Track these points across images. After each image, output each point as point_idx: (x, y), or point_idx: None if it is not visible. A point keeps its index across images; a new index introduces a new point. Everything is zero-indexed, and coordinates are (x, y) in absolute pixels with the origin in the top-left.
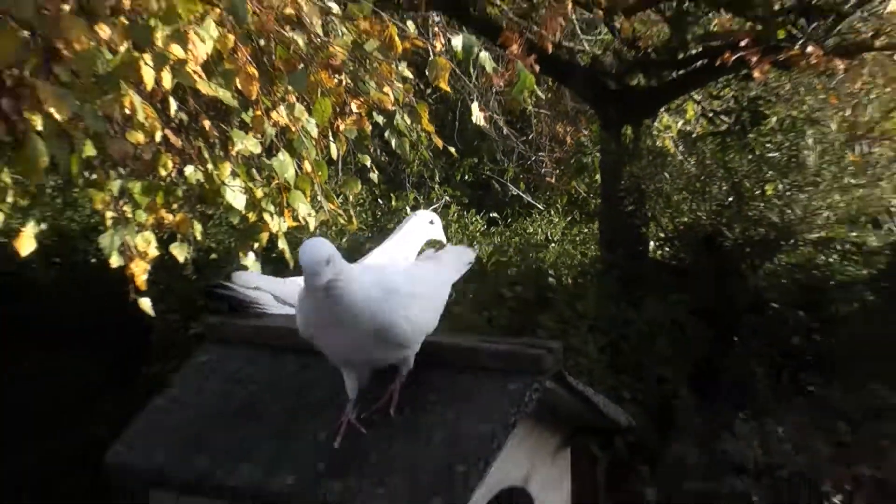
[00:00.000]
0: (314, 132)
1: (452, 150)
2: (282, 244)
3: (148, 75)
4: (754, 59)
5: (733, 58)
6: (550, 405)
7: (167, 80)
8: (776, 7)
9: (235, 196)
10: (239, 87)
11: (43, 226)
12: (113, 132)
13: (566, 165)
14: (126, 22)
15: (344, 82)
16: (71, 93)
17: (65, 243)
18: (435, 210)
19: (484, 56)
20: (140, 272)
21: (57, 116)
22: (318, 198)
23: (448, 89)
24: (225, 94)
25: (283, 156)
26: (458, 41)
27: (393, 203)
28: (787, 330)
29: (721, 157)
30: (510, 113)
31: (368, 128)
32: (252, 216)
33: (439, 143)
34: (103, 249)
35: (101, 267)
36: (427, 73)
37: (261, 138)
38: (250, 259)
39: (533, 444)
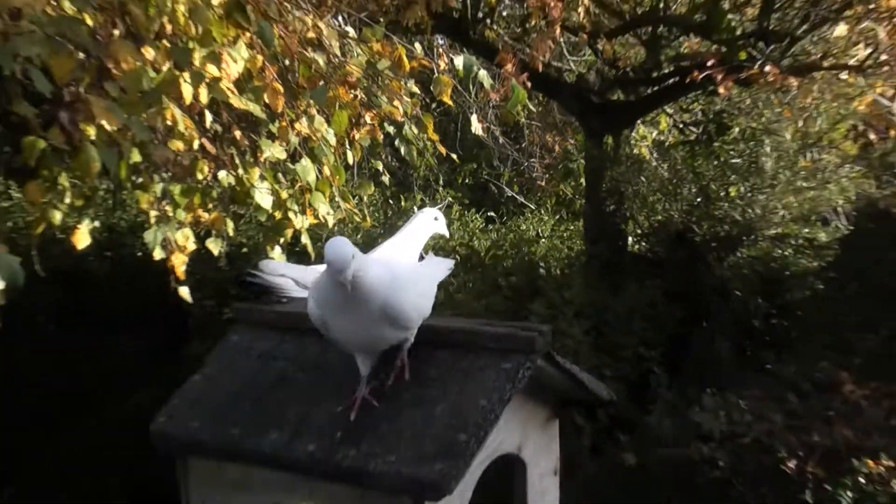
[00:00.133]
0: (333, 141)
1: (454, 156)
2: (304, 239)
3: (187, 91)
4: (719, 77)
5: (701, 76)
6: (541, 381)
7: (204, 96)
8: (738, 32)
9: (263, 197)
10: (266, 101)
11: (96, 223)
12: (156, 141)
13: (555, 170)
14: (168, 45)
15: (359, 97)
16: (120, 107)
17: (115, 239)
18: (440, 209)
19: (482, 74)
20: (179, 264)
21: (108, 127)
22: (336, 198)
23: (451, 103)
24: (254, 108)
25: (306, 161)
26: (459, 61)
27: (402, 203)
28: (748, 314)
29: (690, 163)
30: (505, 124)
31: (380, 137)
32: (278, 214)
33: (443, 150)
34: (147, 244)
35: (146, 260)
36: (432, 88)
37: (286, 146)
38: (276, 252)
39: (525, 416)
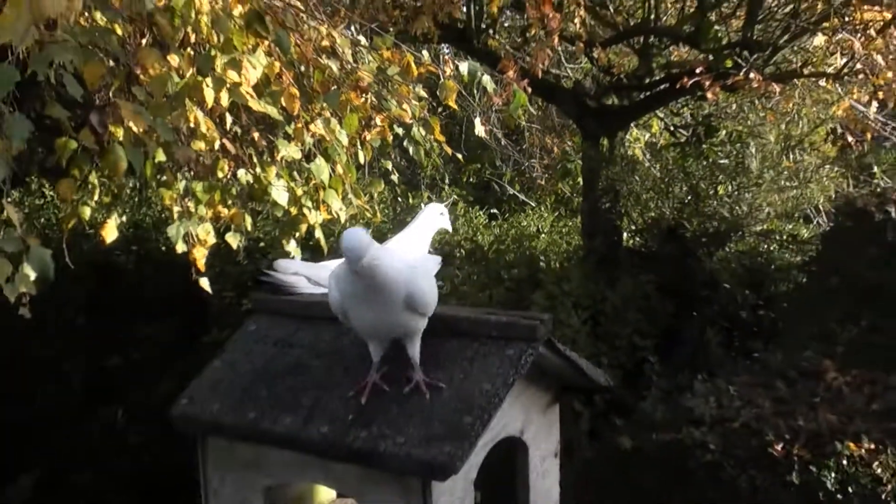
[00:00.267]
0: (345, 141)
1: (460, 156)
2: (318, 234)
3: (209, 95)
4: (707, 83)
5: (690, 82)
6: (542, 367)
7: (224, 99)
8: (724, 42)
9: (280, 194)
10: (283, 104)
11: (123, 218)
12: (180, 142)
13: (553, 170)
14: (192, 52)
15: (370, 100)
16: (146, 110)
17: (140, 235)
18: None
19: (486, 79)
20: (200, 257)
21: (135, 129)
22: (349, 195)
23: (456, 107)
24: (272, 111)
25: (320, 161)
26: (464, 67)
27: (410, 201)
28: (736, 306)
29: (681, 163)
30: (507, 127)
31: (390, 138)
32: (293, 210)
33: (448, 150)
34: (171, 238)
35: (170, 254)
36: (438, 93)
37: (301, 146)
38: (292, 246)
39: (527, 401)
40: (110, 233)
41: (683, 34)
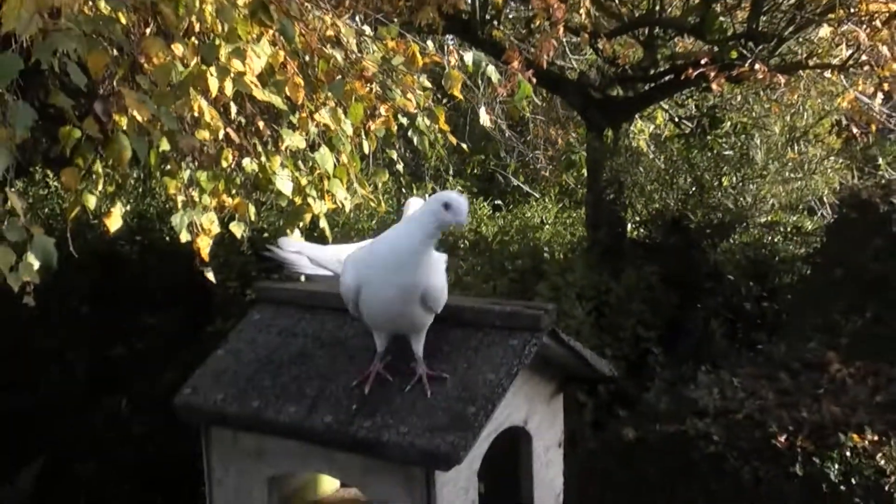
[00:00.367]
0: (349, 131)
1: (465, 146)
2: (322, 223)
3: (213, 84)
4: (712, 74)
5: (695, 74)
6: (546, 357)
7: (229, 89)
8: (729, 33)
9: (284, 183)
10: (288, 94)
11: (127, 207)
12: (184, 131)
13: (558, 162)
14: (196, 42)
15: (374, 90)
16: (150, 98)
17: (144, 225)
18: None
19: (491, 69)
20: (205, 246)
21: (139, 117)
22: (354, 185)
23: (461, 97)
24: (276, 100)
25: (324, 150)
26: (469, 57)
27: (414, 192)
28: (740, 297)
29: (685, 154)
30: (511, 118)
31: (394, 128)
32: (298, 200)
33: (453, 140)
34: (175, 227)
35: (173, 243)
36: (443, 83)
37: (305, 136)
38: (296, 235)
39: (531, 391)
40: (115, 222)
41: (688, 25)
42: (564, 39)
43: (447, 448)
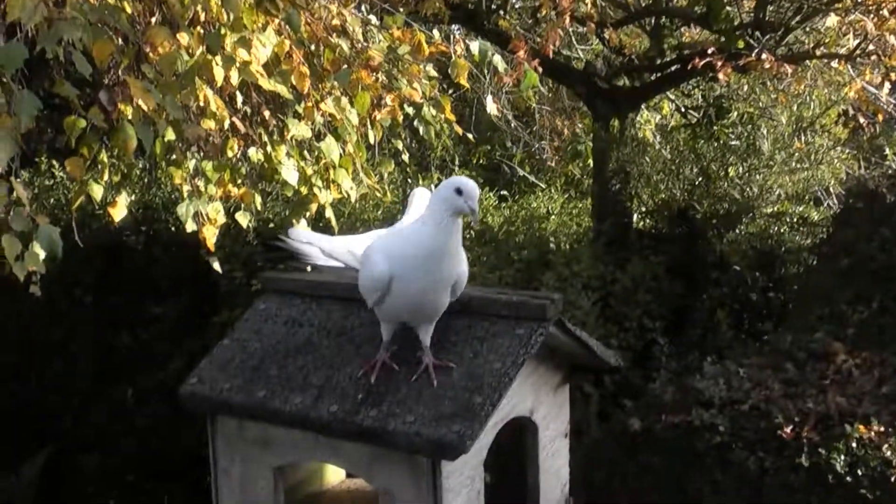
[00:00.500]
0: (355, 120)
1: (470, 136)
2: (328, 213)
3: (218, 74)
4: (719, 64)
5: (701, 63)
6: (552, 347)
7: (234, 78)
8: (736, 22)
9: (290, 173)
10: (293, 83)
11: (132, 197)
12: (189, 120)
13: (564, 152)
14: (201, 31)
15: (380, 80)
16: (156, 88)
17: (150, 215)
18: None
19: (497, 59)
20: (210, 236)
21: (144, 107)
22: (359, 175)
23: (467, 85)
24: (282, 89)
25: (330, 140)
26: (475, 46)
27: (420, 182)
28: (746, 287)
29: (691, 144)
30: (517, 109)
31: (400, 117)
32: (304, 190)
33: (459, 130)
34: (180, 217)
35: (179, 234)
36: (449, 72)
37: (311, 125)
38: (302, 225)
39: (538, 381)
40: (119, 211)
41: (695, 15)
42: (570, 29)
43: (453, 437)
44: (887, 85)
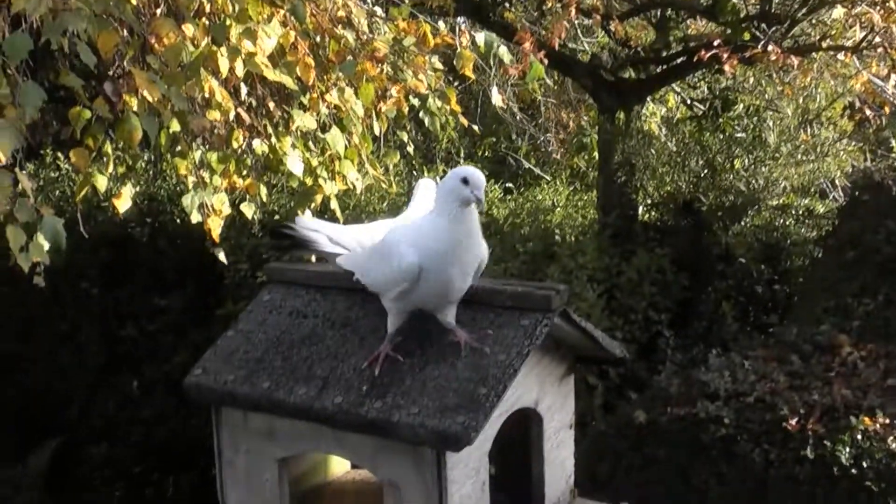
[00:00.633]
0: (360, 112)
1: (476, 128)
2: (333, 204)
3: (223, 65)
4: (725, 56)
5: (707, 55)
6: (557, 338)
7: (239, 69)
8: (742, 14)
9: (295, 164)
10: (299, 74)
11: (137, 188)
12: (194, 111)
13: (569, 144)
14: (206, 22)
15: (385, 71)
16: (161, 79)
17: (155, 207)
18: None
19: (502, 50)
20: (215, 227)
21: (149, 98)
22: (365, 166)
23: (472, 77)
24: (287, 80)
25: (335, 131)
26: (480, 37)
27: (426, 173)
28: (752, 280)
29: (697, 136)
30: (523, 101)
31: (405, 109)
32: (309, 181)
33: (464, 121)
34: (185, 208)
35: (184, 226)
36: (455, 63)
37: (316, 117)
38: (307, 216)
39: (542, 372)
40: (124, 202)
41: (701, 7)
42: (576, 21)
43: (458, 429)
44: (893, 77)
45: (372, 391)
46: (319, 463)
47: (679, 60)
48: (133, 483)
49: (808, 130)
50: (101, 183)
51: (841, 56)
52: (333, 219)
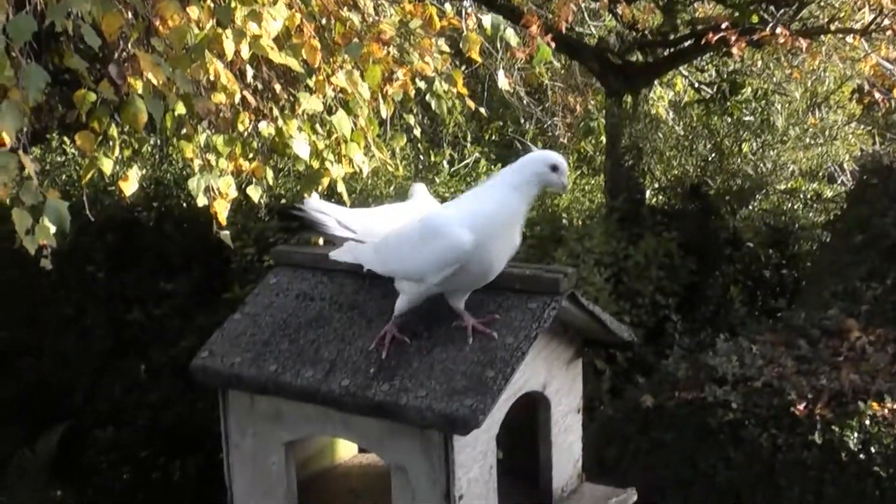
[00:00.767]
0: (367, 95)
1: (483, 111)
2: (340, 187)
3: (229, 47)
4: (733, 39)
5: (715, 38)
6: (564, 322)
7: (245, 52)
8: None
9: (301, 147)
10: (304, 57)
11: (144, 171)
12: (200, 94)
13: (576, 129)
14: (211, 4)
15: (391, 54)
16: (165, 61)
17: (161, 191)
18: (466, 165)
19: (509, 33)
20: (221, 210)
21: (154, 80)
22: (371, 149)
23: (479, 59)
24: (293, 63)
25: (341, 114)
26: (487, 20)
27: (432, 158)
28: (759, 264)
29: (705, 120)
30: (529, 85)
31: (412, 92)
32: (315, 164)
33: (471, 105)
34: (192, 191)
35: (191, 210)
36: (461, 46)
37: (322, 99)
38: (314, 198)
39: (550, 355)
40: (130, 185)
41: None
42: (583, 4)
43: (465, 412)
44: None
45: (379, 374)
46: (326, 446)
47: (687, 43)
48: (140, 467)
49: (817, 114)
50: (107, 166)
51: (850, 39)
52: (340, 202)
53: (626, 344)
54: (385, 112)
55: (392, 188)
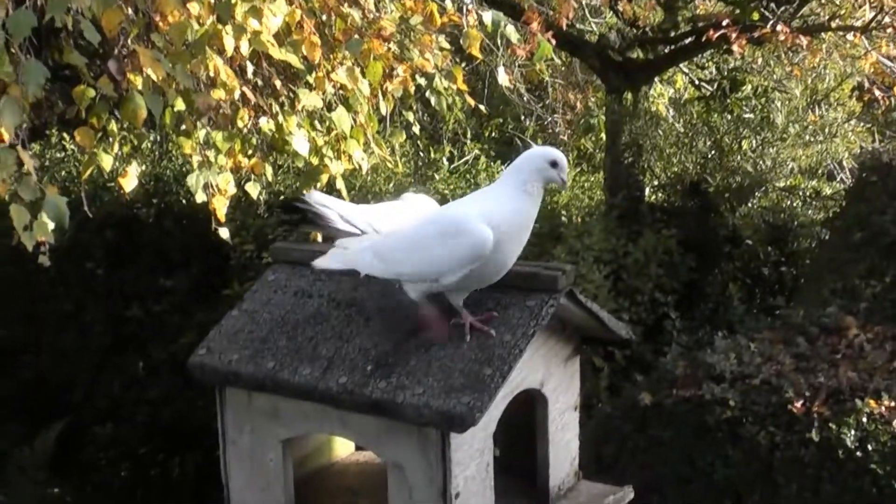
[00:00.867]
0: (366, 91)
1: (483, 108)
2: (339, 184)
3: (229, 43)
4: (733, 36)
5: (716, 35)
6: (562, 319)
7: (245, 48)
8: None
9: (301, 144)
10: (304, 53)
11: (143, 168)
12: (199, 90)
13: (576, 126)
14: (211, 0)
15: (392, 50)
16: (165, 57)
17: (161, 187)
18: (466, 162)
19: (510, 29)
20: (220, 206)
21: (153, 77)
22: (371, 145)
23: (480, 56)
24: (293, 59)
25: (341, 110)
26: (487, 16)
27: (432, 154)
28: (758, 261)
29: (705, 117)
30: (530, 82)
31: (412, 88)
32: (315, 160)
33: (471, 101)
34: (190, 188)
35: (190, 207)
36: (462, 42)
37: (322, 96)
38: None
39: (548, 353)
40: (130, 181)
41: None
42: (584, 1)
43: (463, 409)
44: None
45: (377, 371)
46: (323, 444)
47: (687, 41)
48: (138, 463)
49: (817, 111)
50: (107, 162)
51: (850, 36)
52: (339, 199)
53: (625, 341)
54: (385, 108)
55: (391, 185)
